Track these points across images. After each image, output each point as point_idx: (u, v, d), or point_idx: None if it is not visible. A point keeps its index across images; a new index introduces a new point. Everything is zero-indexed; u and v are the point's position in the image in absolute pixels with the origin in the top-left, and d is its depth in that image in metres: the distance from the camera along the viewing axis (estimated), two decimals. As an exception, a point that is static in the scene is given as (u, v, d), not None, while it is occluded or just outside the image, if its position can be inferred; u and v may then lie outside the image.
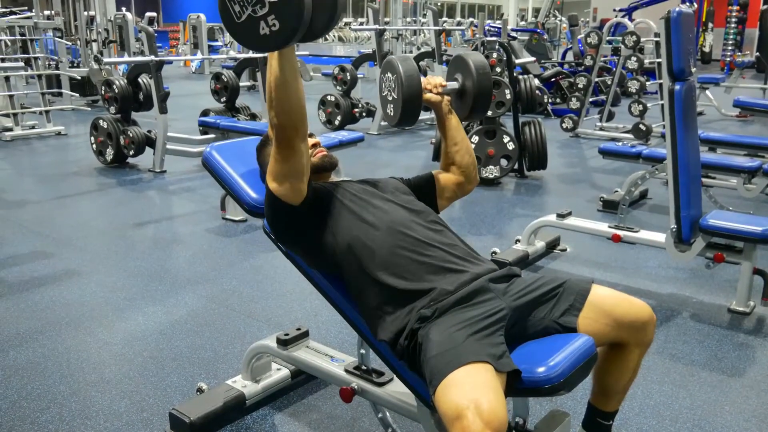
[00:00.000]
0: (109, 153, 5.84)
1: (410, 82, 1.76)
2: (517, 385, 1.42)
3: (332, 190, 1.77)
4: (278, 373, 2.28)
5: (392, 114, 1.85)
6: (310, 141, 1.91)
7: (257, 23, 1.36)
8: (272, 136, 1.61)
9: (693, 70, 2.72)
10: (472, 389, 1.29)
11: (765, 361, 2.57)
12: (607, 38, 7.59)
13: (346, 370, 1.98)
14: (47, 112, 7.67)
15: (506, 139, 5.21)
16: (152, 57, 5.50)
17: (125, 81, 5.76)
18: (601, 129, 7.48)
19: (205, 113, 6.46)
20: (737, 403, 2.28)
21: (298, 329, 2.20)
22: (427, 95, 1.86)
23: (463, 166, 1.95)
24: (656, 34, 7.65)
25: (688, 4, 11.45)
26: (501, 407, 1.26)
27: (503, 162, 5.25)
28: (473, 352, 1.38)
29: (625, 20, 8.93)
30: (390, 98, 1.85)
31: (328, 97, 7.66)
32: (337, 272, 1.71)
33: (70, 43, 10.95)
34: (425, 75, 8.17)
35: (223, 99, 6.46)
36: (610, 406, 1.74)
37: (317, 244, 1.71)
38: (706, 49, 16.59)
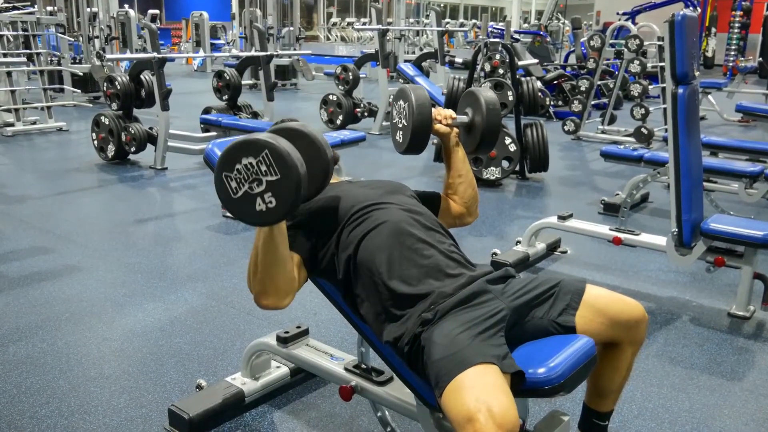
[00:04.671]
0: (111, 149, 5.84)
1: (421, 110, 1.81)
2: (519, 387, 1.41)
3: (332, 195, 1.76)
4: (278, 370, 2.28)
5: (401, 141, 1.90)
6: None
7: (254, 200, 1.39)
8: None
9: (696, 74, 2.72)
10: (482, 392, 1.28)
11: (764, 366, 2.57)
12: (610, 41, 7.59)
13: (346, 369, 1.98)
14: (49, 107, 7.67)
15: (508, 140, 5.21)
16: (154, 54, 5.50)
17: (127, 78, 5.75)
18: (602, 132, 7.48)
19: (206, 111, 6.46)
20: (736, 407, 2.28)
21: (298, 327, 2.20)
22: (437, 126, 1.90)
23: (465, 198, 1.97)
24: (659, 38, 7.68)
25: (691, 8, 11.47)
26: (512, 409, 1.26)
27: (505, 163, 5.26)
28: (479, 354, 1.38)
29: (629, 24, 8.95)
30: (400, 125, 1.90)
31: (330, 97, 7.66)
32: (339, 275, 1.69)
33: (72, 39, 10.94)
34: (428, 76, 8.13)
35: (225, 97, 6.46)
36: (605, 406, 1.75)
37: (320, 250, 1.71)
38: (709, 54, 16.62)
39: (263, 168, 1.37)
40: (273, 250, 1.51)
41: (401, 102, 1.88)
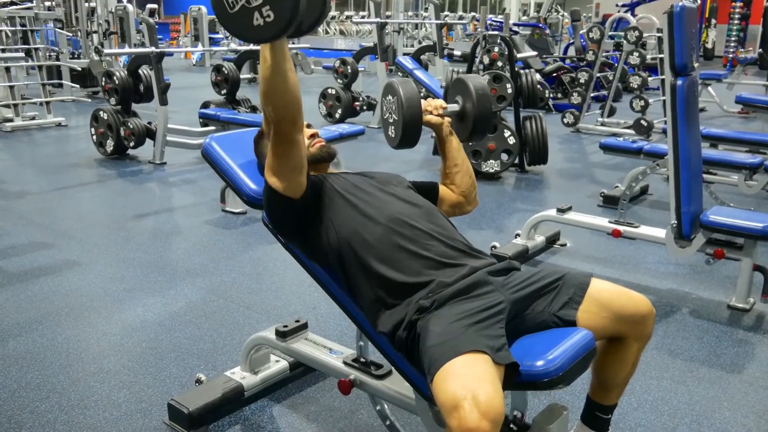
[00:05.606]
0: (110, 144, 5.83)
1: (410, 104, 1.79)
2: (515, 379, 1.41)
3: (331, 182, 1.77)
4: (277, 364, 2.28)
5: (393, 136, 1.89)
6: (308, 132, 1.91)
7: (251, 13, 1.35)
8: (268, 132, 1.58)
9: (695, 65, 2.71)
10: (470, 380, 1.29)
11: (764, 358, 2.58)
12: (610, 33, 7.56)
13: (345, 362, 1.98)
14: (48, 103, 7.66)
15: (507, 133, 5.19)
16: (153, 48, 5.47)
17: (126, 72, 5.74)
18: (602, 124, 7.47)
19: (205, 105, 6.44)
20: (736, 399, 2.28)
21: (297, 321, 2.19)
22: (428, 117, 1.89)
23: (463, 187, 1.97)
24: (659, 30, 7.64)
25: (691, -1, 11.41)
26: (498, 399, 1.26)
27: (504, 156, 5.24)
28: (471, 342, 1.38)
29: (628, 15, 8.91)
30: (391, 120, 1.88)
31: (329, 90, 7.64)
32: (336, 265, 1.70)
33: (70, 34, 10.91)
34: (426, 69, 8.07)
35: (224, 91, 6.44)
36: (609, 399, 1.74)
37: (317, 237, 1.71)
38: (709, 46, 16.58)
39: None
40: (277, 65, 1.45)
41: (390, 97, 1.86)
